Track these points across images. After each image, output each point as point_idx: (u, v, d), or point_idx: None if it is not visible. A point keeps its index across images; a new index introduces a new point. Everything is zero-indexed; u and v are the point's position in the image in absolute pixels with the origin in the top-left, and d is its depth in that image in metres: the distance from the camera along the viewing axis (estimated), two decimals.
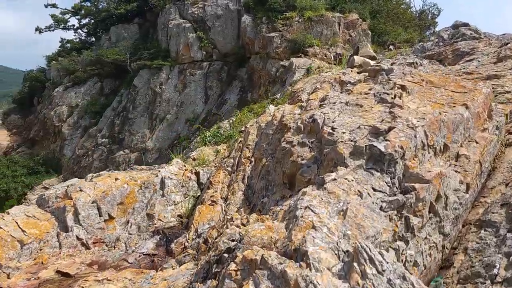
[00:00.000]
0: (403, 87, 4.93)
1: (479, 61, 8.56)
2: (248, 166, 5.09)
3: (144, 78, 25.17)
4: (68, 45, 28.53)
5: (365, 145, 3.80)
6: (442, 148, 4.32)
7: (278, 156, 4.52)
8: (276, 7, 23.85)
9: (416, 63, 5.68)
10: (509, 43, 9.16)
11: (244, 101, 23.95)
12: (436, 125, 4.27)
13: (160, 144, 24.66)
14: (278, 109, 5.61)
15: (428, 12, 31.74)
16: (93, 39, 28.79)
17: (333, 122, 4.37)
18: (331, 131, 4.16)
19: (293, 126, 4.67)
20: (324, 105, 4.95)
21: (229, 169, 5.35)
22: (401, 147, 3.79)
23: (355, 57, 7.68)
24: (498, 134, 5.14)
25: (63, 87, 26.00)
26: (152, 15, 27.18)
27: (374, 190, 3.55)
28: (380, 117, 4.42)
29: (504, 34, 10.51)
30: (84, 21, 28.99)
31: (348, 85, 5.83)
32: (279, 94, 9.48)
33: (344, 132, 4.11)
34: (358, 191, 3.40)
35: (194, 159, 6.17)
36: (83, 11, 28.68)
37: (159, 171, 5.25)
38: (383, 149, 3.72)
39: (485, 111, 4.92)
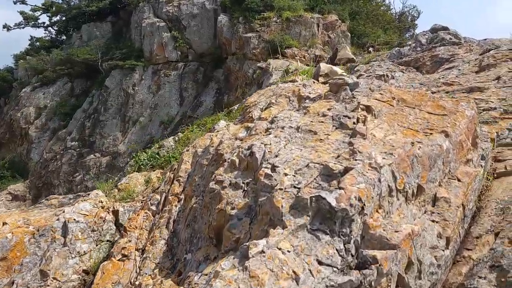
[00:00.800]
0: (368, 109, 3.88)
1: (459, 69, 7.60)
2: (176, 206, 3.98)
3: (116, 79, 23.79)
4: (38, 43, 26.90)
5: (311, 197, 2.73)
6: (415, 191, 3.28)
7: (206, 200, 3.44)
8: (253, 6, 22.74)
9: (387, 76, 4.66)
10: (491, 49, 8.23)
11: (221, 103, 22.75)
12: (407, 162, 3.22)
13: (133, 148, 23.34)
14: (217, 131, 4.51)
15: (408, 14, 31.02)
16: (64, 37, 27.21)
17: (276, 156, 3.28)
18: (269, 172, 3.07)
19: (228, 159, 3.59)
20: (271, 130, 3.87)
21: (154, 208, 4.22)
22: (359, 199, 2.73)
23: (321, 64, 6.61)
24: (484, 165, 4.14)
25: (31, 87, 24.43)
26: (125, 14, 25.79)
27: (320, 263, 2.48)
28: (336, 149, 3.35)
29: (485, 39, 9.60)
30: (55, 19, 27.40)
31: (307, 101, 4.76)
32: (237, 105, 8.39)
33: (287, 174, 3.02)
34: (294, 272, 2.32)
35: (119, 190, 5.03)
36: (54, 8, 27.07)
37: (63, 211, 4.08)
38: (334, 203, 2.66)
39: (469, 139, 3.91)
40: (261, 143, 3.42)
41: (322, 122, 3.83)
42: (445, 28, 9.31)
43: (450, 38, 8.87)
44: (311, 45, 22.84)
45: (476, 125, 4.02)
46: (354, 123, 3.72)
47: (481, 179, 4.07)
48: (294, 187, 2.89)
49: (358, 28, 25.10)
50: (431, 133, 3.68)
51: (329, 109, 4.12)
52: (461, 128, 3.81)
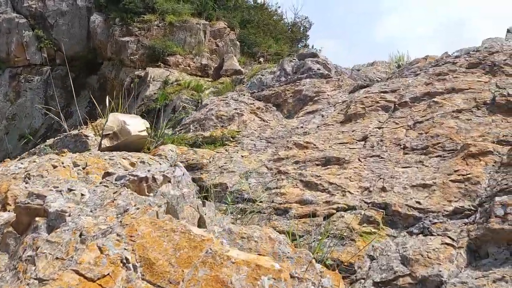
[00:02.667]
0: None
1: (323, 115, 5.55)
2: None
3: None
4: None
5: None
6: None
7: None
8: (131, 7, 19.41)
9: (153, 180, 2.20)
10: (363, 86, 6.36)
11: (94, 115, 19.16)
12: None
13: None
14: None
15: (300, 24, 30.01)
16: None
17: None
18: None
19: None
20: None
21: None
22: None
23: (111, 116, 4.02)
24: None
25: None
26: None
27: None
28: None
29: (358, 70, 7.86)
30: None
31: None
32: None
33: None
34: None
35: None
36: None
37: None
38: None
39: None
40: None
41: None
42: (314, 55, 7.34)
43: (318, 69, 6.88)
44: (197, 53, 20.25)
45: None
46: None
47: None
48: None
49: (249, 37, 23.07)
50: None
51: None
52: None
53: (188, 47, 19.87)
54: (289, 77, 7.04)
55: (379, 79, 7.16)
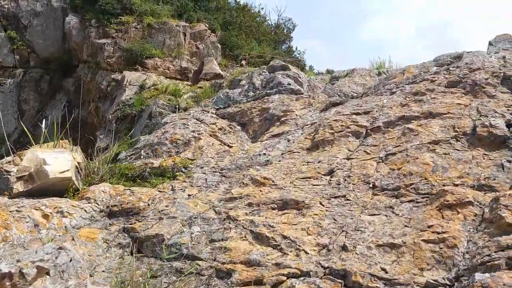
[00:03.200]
0: None
1: (289, 140, 4.94)
2: None
3: None
4: None
5: None
6: None
7: None
8: (108, 8, 18.53)
9: (24, 274, 1.60)
10: (337, 103, 5.78)
11: (71, 119, 18.25)
12: None
13: None
14: None
15: (283, 26, 29.39)
16: None
17: None
18: None
19: None
20: None
21: None
22: None
23: (30, 152, 3.34)
24: None
25: None
26: None
27: None
28: None
29: (333, 83, 7.26)
30: None
31: None
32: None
33: None
34: None
35: None
36: None
37: None
38: None
39: None
40: None
41: None
42: (284, 68, 6.71)
43: (289, 84, 6.27)
44: (176, 55, 19.47)
45: None
46: None
47: None
48: None
49: (231, 39, 22.36)
50: None
51: None
52: None
53: (167, 49, 19.09)
54: (258, 92, 6.42)
55: (354, 94, 6.59)
